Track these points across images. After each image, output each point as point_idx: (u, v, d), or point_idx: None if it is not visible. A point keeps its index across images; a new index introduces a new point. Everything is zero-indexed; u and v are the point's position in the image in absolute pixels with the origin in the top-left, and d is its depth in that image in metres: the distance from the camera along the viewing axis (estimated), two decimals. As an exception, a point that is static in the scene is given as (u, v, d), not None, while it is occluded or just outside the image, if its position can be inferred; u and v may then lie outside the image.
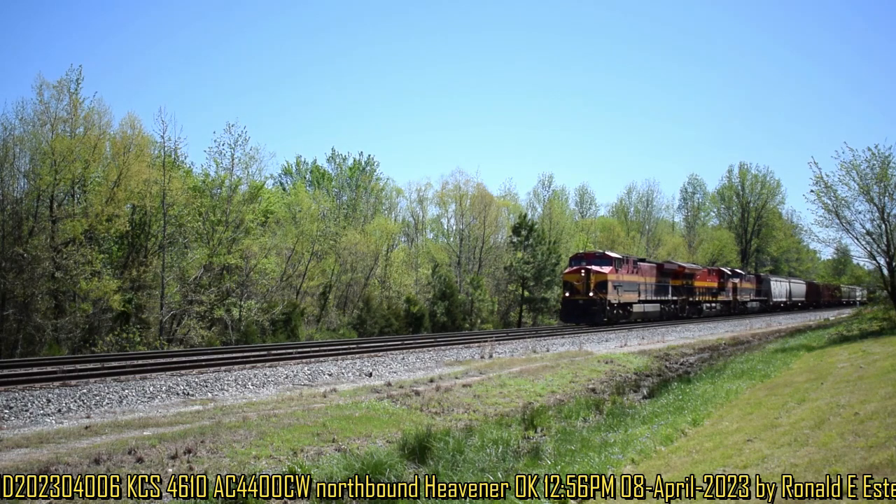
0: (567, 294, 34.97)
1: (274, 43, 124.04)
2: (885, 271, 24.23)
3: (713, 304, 49.73)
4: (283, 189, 45.70)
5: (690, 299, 45.57)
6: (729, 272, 53.57)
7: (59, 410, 11.79)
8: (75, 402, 12.30)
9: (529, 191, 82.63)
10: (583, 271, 34.31)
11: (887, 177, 22.83)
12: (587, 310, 34.13)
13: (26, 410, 11.59)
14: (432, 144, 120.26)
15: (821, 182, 23.74)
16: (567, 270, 36.33)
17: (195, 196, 29.75)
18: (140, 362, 17.73)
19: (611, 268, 34.71)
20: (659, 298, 41.19)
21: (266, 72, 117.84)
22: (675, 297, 43.49)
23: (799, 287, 70.54)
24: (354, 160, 52.78)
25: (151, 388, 13.64)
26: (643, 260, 41.48)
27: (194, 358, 18.60)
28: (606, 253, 36.62)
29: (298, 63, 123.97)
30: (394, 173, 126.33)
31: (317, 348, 22.25)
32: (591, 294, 34.00)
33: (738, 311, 54.16)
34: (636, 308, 37.86)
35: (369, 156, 52.87)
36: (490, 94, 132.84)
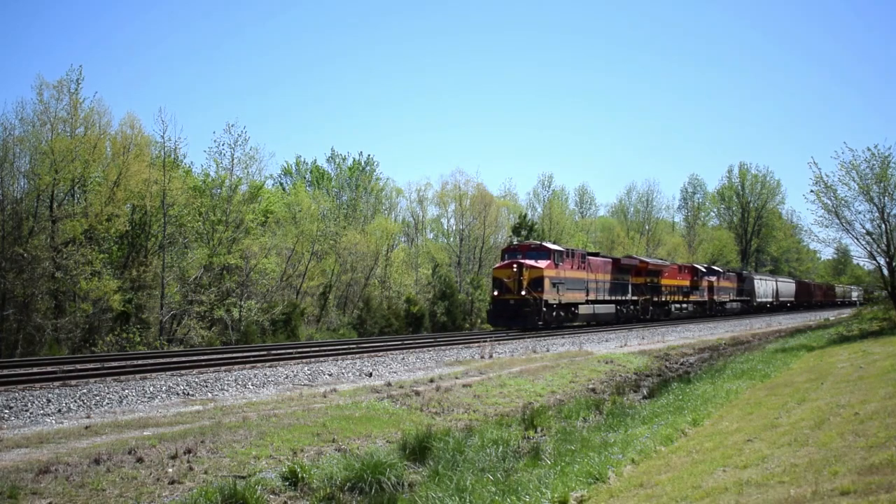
0: (496, 293, 30.26)
1: (274, 43, 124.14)
2: (885, 271, 24.25)
3: (684, 305, 45.58)
4: (283, 189, 45.70)
5: (655, 299, 41.19)
6: (704, 269, 49.59)
7: (59, 410, 11.78)
8: (75, 402, 12.29)
9: (529, 191, 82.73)
10: (515, 266, 29.61)
11: (887, 177, 22.86)
12: (518, 311, 29.37)
13: (26, 410, 11.58)
14: (432, 144, 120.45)
15: (821, 182, 23.78)
16: (497, 265, 31.97)
17: (195, 196, 29.74)
18: (140, 362, 17.73)
19: (548, 262, 30.17)
20: (614, 298, 36.75)
21: (266, 72, 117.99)
22: (635, 297, 38.98)
23: (787, 286, 67.06)
24: (354, 160, 52.79)
25: (151, 388, 13.63)
26: (595, 254, 37.49)
27: (194, 358, 18.59)
28: (544, 244, 32.08)
29: (298, 63, 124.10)
30: (394, 173, 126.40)
31: (317, 348, 22.25)
32: (523, 293, 29.28)
33: (714, 313, 50.01)
34: (583, 309, 33.40)
35: (369, 156, 52.91)
36: (490, 94, 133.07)
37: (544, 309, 29.82)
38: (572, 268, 32.40)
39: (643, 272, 40.04)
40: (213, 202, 30.37)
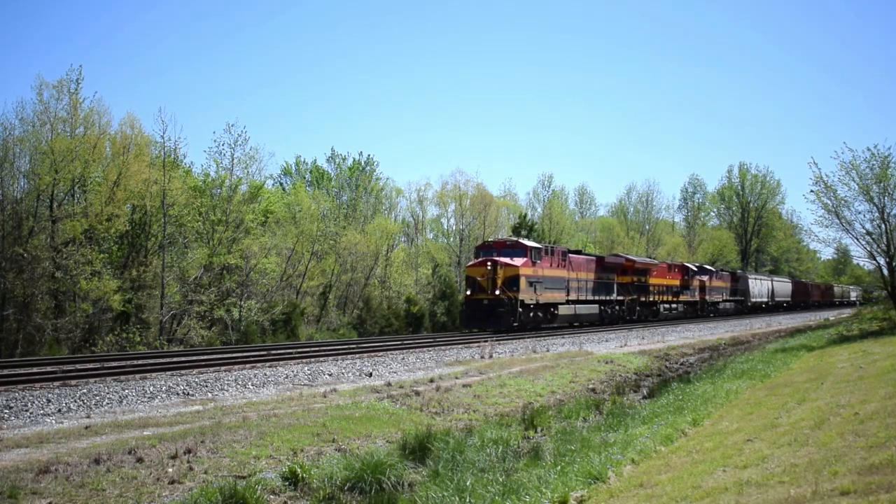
0: (469, 292, 28.43)
1: (274, 43, 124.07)
2: (885, 271, 24.25)
3: (674, 306, 44.22)
4: (283, 189, 45.71)
5: (643, 299, 39.74)
6: (695, 268, 48.01)
7: (59, 410, 11.78)
8: (75, 402, 12.29)
9: (529, 191, 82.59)
10: (489, 264, 27.85)
11: (887, 177, 22.87)
12: (492, 312, 27.69)
13: (26, 410, 11.58)
14: (432, 144, 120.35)
15: (821, 182, 23.80)
16: (470, 263, 30.49)
17: (195, 196, 29.74)
18: (140, 362, 17.72)
19: (525, 259, 28.56)
20: (598, 298, 35.30)
21: (266, 72, 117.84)
22: (620, 297, 37.54)
23: (783, 286, 65.99)
24: (354, 160, 52.79)
25: (151, 388, 13.63)
26: (578, 252, 35.94)
27: (194, 358, 18.59)
28: (521, 241, 30.50)
29: (298, 63, 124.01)
30: (394, 173, 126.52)
31: (317, 348, 22.25)
32: (497, 292, 27.59)
33: (706, 314, 48.64)
34: (563, 310, 31.87)
35: (369, 156, 52.89)
36: (490, 94, 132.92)
37: (520, 309, 28.21)
38: (551, 266, 30.85)
39: (629, 271, 38.49)
40: (213, 202, 30.38)
